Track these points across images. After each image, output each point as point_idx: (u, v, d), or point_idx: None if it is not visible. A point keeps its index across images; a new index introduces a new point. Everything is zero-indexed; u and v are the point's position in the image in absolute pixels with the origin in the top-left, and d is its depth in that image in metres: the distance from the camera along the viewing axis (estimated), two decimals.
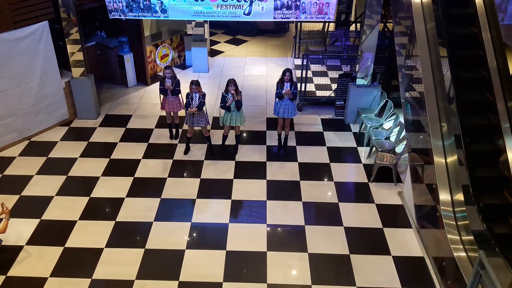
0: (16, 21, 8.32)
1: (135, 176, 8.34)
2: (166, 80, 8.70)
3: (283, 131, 9.07)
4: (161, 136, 9.58)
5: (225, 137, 8.96)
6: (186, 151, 9.00)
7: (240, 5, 8.77)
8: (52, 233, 7.02)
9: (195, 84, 8.21)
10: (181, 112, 9.19)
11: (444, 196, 6.24)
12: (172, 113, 9.14)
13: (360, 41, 9.64)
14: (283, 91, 8.41)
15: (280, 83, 8.49)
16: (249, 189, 8.07)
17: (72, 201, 7.69)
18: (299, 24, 12.85)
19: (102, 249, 6.74)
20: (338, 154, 9.13)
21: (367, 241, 6.98)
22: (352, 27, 13.98)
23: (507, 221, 5.53)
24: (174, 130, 9.52)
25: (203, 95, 8.32)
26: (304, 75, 10.46)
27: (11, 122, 8.89)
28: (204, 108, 8.41)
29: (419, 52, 7.32)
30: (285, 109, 8.60)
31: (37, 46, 8.76)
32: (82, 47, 9.53)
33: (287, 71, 8.39)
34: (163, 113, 9.36)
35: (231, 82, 8.17)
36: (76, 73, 9.70)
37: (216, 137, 9.28)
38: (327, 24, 13.81)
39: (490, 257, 4.50)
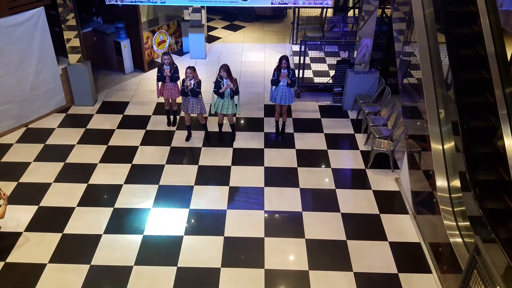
0: (11, 7, 8.22)
1: (133, 163, 8.34)
2: (165, 66, 8.63)
3: (280, 118, 9.05)
4: (158, 123, 9.56)
5: (220, 126, 8.92)
6: (188, 138, 8.98)
7: None
8: (50, 219, 7.04)
9: (190, 68, 8.15)
10: (179, 99, 9.16)
11: (440, 182, 6.26)
12: (170, 99, 9.10)
13: (358, 27, 9.58)
14: (280, 75, 8.37)
15: (277, 71, 8.44)
16: (247, 176, 8.09)
17: (70, 187, 7.70)
18: (297, 9, 12.75)
19: (101, 235, 6.77)
20: (336, 141, 9.14)
21: (364, 227, 7.03)
22: (350, 13, 13.87)
23: (502, 199, 5.65)
24: (172, 117, 9.50)
25: (198, 83, 8.26)
26: (302, 62, 10.42)
27: (8, 109, 8.85)
28: (199, 96, 8.37)
29: (417, 38, 7.28)
30: (282, 95, 8.56)
31: (33, 32, 8.68)
32: (79, 33, 9.44)
33: (283, 58, 8.32)
34: (161, 99, 9.32)
35: (222, 68, 8.14)
36: (72, 60, 9.64)
37: (213, 124, 9.27)
38: (325, 9, 13.71)
39: (486, 243, 4.53)
